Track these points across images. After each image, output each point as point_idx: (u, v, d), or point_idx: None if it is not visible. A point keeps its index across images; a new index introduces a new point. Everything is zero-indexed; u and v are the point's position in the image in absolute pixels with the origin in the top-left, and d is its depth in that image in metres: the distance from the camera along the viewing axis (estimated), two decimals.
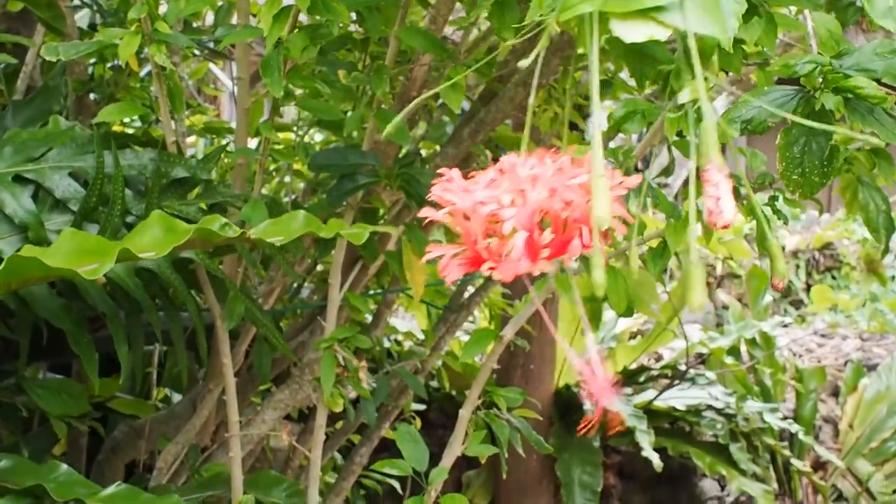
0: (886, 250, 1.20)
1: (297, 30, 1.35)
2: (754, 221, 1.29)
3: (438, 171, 0.67)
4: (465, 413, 1.49)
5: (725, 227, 0.58)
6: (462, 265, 0.65)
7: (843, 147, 1.14)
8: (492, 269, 0.63)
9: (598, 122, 0.63)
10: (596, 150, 0.60)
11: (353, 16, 1.56)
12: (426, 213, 0.66)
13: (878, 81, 0.87)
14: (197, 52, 2.17)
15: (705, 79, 0.62)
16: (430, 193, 0.66)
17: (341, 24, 1.75)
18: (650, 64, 0.72)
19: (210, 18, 2.49)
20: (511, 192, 0.62)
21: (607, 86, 1.78)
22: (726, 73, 1.17)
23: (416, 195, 1.52)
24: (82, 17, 2.11)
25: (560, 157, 0.65)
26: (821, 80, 0.80)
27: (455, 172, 0.66)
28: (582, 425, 1.57)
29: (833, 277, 6.49)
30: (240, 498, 1.50)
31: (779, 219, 1.24)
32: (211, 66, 2.89)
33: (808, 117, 0.81)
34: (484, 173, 0.65)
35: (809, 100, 0.81)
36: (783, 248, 6.44)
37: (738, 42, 0.85)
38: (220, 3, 2.13)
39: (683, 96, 0.60)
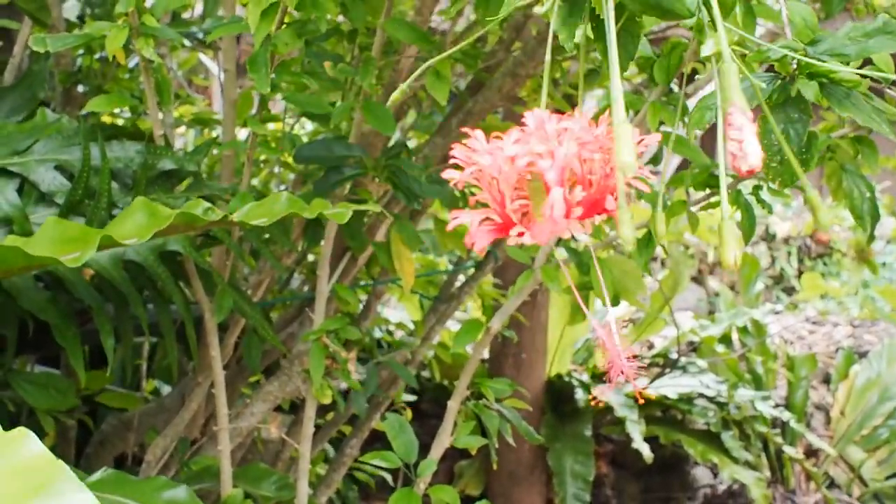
0: (872, 238, 1.20)
1: (284, 25, 1.34)
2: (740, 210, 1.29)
3: (461, 130, 0.62)
4: (453, 404, 1.50)
5: (751, 171, 0.54)
6: (490, 231, 0.59)
7: (827, 135, 1.14)
8: (521, 233, 0.57)
9: (615, 70, 0.60)
10: (616, 97, 0.56)
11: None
12: (449, 175, 0.59)
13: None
14: (187, 42, 2.17)
15: (727, 29, 0.60)
16: (452, 155, 0.60)
17: (329, 17, 1.74)
18: (671, 18, 0.70)
19: (199, 9, 2.48)
20: (542, 148, 0.56)
21: (595, 74, 1.79)
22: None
23: (402, 187, 1.52)
24: (72, 8, 2.10)
25: (577, 114, 0.59)
26: (794, 65, 0.80)
27: (478, 133, 0.59)
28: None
29: (824, 264, 6.50)
30: (229, 491, 1.50)
31: (763, 208, 1.24)
32: (201, 55, 2.88)
33: (785, 104, 0.81)
34: (508, 133, 0.58)
35: (785, 86, 0.81)
36: (774, 236, 6.45)
37: None
38: None
39: (706, 48, 0.57)
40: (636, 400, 3.13)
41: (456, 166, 0.59)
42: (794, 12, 0.81)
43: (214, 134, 2.58)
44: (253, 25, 1.25)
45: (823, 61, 0.77)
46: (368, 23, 1.52)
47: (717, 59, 0.58)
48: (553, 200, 0.55)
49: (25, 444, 0.68)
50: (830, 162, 1.14)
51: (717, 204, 1.28)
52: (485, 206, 0.60)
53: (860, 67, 0.85)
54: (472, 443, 1.49)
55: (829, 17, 1.66)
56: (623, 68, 0.84)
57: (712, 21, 0.58)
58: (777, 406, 3.45)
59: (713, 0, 0.57)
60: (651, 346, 4.17)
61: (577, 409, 3.19)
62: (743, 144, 0.54)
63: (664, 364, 3.43)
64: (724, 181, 0.60)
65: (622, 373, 0.65)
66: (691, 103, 1.21)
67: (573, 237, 0.60)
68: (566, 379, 3.30)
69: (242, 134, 1.86)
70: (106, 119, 2.19)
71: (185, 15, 2.19)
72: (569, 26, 0.71)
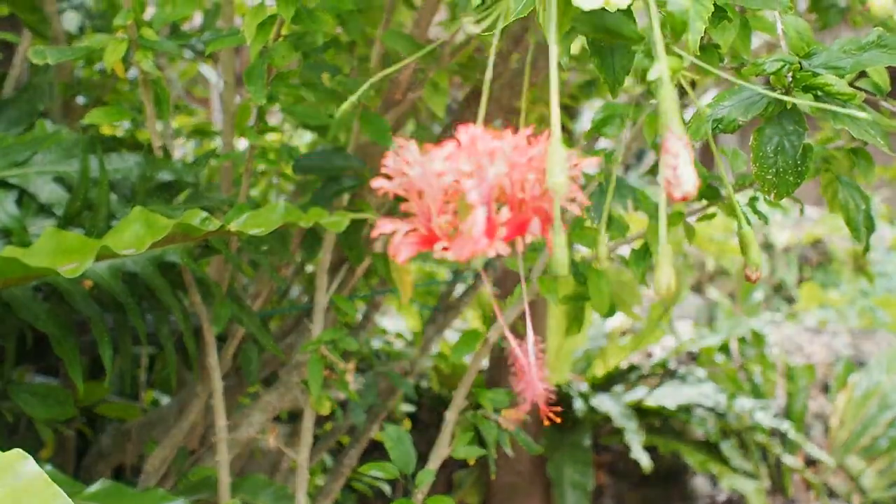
0: (867, 248, 1.21)
1: (281, 38, 1.34)
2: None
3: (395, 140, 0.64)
4: (450, 415, 1.50)
5: (685, 197, 0.55)
6: (414, 243, 0.60)
7: (822, 146, 1.15)
8: (445, 248, 0.58)
9: (555, 93, 0.60)
10: (554, 116, 0.57)
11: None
12: (378, 183, 0.61)
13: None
14: (187, 53, 2.17)
15: (675, 52, 0.60)
16: (384, 164, 0.61)
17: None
18: (619, 41, 0.71)
19: (198, 18, 2.49)
20: (470, 166, 0.57)
21: (592, 85, 1.79)
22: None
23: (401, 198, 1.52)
24: (72, 19, 2.11)
25: (518, 133, 0.60)
26: (790, 78, 0.81)
27: (412, 144, 0.61)
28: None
29: (824, 273, 6.50)
30: (227, 502, 1.50)
31: (759, 219, 1.24)
32: (200, 66, 2.88)
33: (780, 116, 0.81)
34: (440, 146, 0.59)
35: (780, 98, 0.81)
36: (772, 246, 6.45)
37: (713, 46, 0.86)
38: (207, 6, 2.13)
39: (652, 73, 0.58)
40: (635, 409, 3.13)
41: (387, 176, 0.61)
42: (789, 25, 0.82)
43: (213, 145, 2.58)
44: (249, 38, 1.25)
45: (818, 74, 0.77)
46: (367, 34, 1.52)
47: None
48: (474, 219, 0.56)
49: (22, 467, 0.68)
50: (826, 173, 1.15)
51: (714, 215, 1.29)
52: (412, 216, 0.61)
53: (856, 79, 0.86)
54: (471, 453, 1.49)
55: (827, 28, 1.67)
56: (619, 82, 0.85)
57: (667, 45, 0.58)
58: (776, 416, 3.45)
59: (655, 24, 0.57)
60: (650, 356, 4.18)
61: (576, 419, 3.19)
62: (677, 171, 0.55)
63: (663, 374, 3.43)
64: (664, 207, 0.60)
65: (533, 397, 0.67)
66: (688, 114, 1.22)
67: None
68: (564, 389, 3.30)
69: (242, 144, 1.87)
70: (105, 130, 2.20)
71: (185, 26, 2.20)
72: (564, 41, 0.71)
